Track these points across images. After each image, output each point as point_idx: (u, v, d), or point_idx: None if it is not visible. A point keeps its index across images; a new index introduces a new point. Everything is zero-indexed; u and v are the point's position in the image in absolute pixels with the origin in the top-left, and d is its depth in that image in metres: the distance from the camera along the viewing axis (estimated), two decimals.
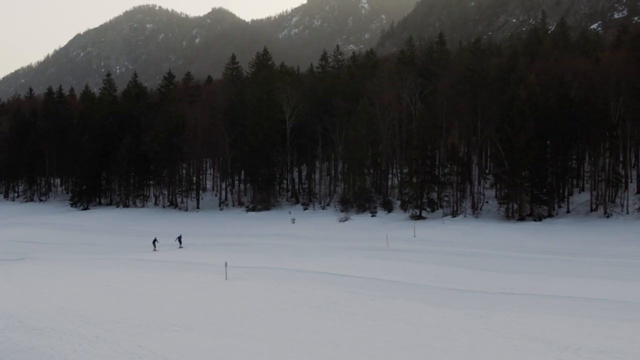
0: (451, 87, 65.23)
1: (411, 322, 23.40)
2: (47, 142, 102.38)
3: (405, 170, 63.44)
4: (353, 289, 29.53)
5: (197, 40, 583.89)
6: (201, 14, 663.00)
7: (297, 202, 72.95)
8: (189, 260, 40.47)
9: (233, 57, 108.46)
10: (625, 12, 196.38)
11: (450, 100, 62.66)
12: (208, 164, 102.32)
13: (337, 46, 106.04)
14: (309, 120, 73.25)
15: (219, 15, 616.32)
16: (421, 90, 65.51)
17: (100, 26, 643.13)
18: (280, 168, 76.07)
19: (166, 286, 30.80)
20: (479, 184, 61.32)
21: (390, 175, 69.88)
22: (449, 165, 57.73)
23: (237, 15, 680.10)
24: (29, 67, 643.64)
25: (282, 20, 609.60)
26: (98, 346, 20.18)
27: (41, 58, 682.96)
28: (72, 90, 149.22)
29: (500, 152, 51.64)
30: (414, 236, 46.47)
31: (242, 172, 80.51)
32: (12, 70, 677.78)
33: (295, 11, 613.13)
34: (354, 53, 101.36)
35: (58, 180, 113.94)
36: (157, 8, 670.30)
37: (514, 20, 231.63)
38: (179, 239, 49.55)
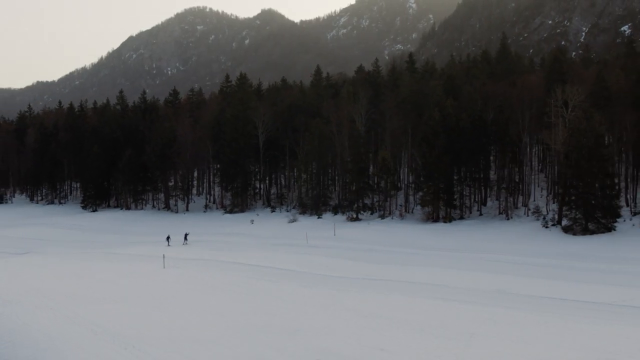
0: (396, 107, 71.90)
1: (281, 298, 30.70)
2: (65, 152, 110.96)
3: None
4: (257, 275, 36.79)
5: (246, 42, 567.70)
6: (251, 15, 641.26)
7: (269, 205, 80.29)
8: (152, 254, 47.82)
9: (227, 77, 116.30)
10: None
11: (391, 118, 69.39)
12: (207, 171, 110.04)
13: (318, 66, 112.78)
14: (279, 134, 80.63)
15: (268, 17, 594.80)
16: (367, 109, 72.44)
17: (152, 28, 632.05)
18: (255, 176, 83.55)
19: (118, 272, 38.41)
20: (409, 191, 67.95)
21: (341, 182, 76.82)
22: (380, 175, 64.52)
23: (286, 16, 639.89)
24: (83, 69, 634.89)
25: (330, 21, 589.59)
26: (45, 312, 27.81)
27: (95, 60, 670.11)
28: (95, 103, 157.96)
29: (419, 164, 58.43)
30: (334, 235, 53.57)
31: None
32: (67, 72, 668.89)
33: (343, 11, 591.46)
34: (328, 73, 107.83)
35: (78, 185, 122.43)
36: (207, 10, 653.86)
37: (550, 22, 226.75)
38: (186, 236, 55.30)
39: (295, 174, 79.94)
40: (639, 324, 23.91)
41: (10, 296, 30.94)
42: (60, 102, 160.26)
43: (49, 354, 21.98)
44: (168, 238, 54.52)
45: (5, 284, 34.95)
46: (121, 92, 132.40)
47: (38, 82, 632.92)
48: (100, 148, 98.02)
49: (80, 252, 52.05)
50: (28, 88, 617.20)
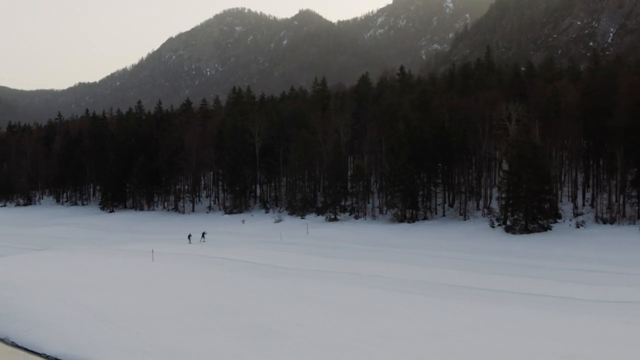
0: (376, 118, 76.63)
1: (237, 285, 35.97)
2: (88, 158, 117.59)
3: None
4: (226, 267, 42.04)
5: (284, 42, 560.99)
6: (289, 16, 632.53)
7: (264, 207, 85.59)
8: (148, 250, 53.12)
9: (234, 89, 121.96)
10: None
11: (371, 129, 74.23)
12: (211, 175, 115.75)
13: (315, 78, 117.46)
14: (274, 143, 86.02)
15: (306, 17, 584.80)
16: (350, 121, 77.42)
17: (192, 30, 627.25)
18: (253, 180, 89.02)
19: (114, 265, 43.93)
20: (385, 194, 72.59)
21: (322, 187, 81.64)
22: (354, 180, 69.43)
23: (324, 16, 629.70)
24: (124, 70, 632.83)
25: (367, 21, 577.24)
26: (47, 296, 33.38)
27: (135, 61, 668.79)
28: (118, 110, 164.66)
29: (387, 171, 63.24)
30: (307, 233, 58.51)
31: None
32: (108, 74, 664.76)
33: (380, 11, 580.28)
34: (323, 86, 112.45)
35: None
36: (246, 11, 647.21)
37: (579, 23, 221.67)
38: (203, 234, 59.44)
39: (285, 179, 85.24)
40: (509, 305, 28.55)
41: (23, 284, 36.59)
42: (87, 110, 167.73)
43: (43, 326, 27.57)
44: (189, 236, 58.51)
45: (21, 274, 40.69)
46: (139, 102, 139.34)
47: (80, 83, 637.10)
48: (116, 154, 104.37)
49: (90, 248, 57.87)
50: (70, 89, 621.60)
